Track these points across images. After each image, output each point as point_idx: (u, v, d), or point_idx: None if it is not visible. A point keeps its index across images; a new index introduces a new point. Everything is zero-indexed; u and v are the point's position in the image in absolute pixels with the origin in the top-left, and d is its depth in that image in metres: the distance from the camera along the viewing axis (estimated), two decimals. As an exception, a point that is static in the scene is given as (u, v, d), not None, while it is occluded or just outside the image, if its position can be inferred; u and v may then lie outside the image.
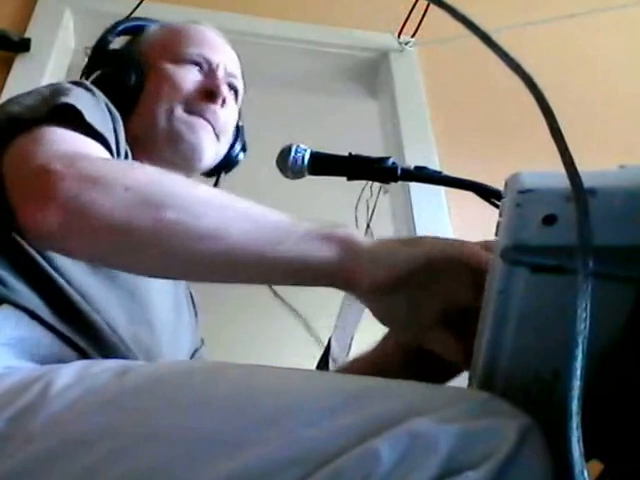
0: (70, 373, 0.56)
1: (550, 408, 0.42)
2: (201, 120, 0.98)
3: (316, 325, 1.04)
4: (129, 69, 0.99)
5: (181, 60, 1.01)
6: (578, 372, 0.38)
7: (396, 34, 2.08)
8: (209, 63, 1.02)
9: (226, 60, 1.05)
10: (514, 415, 0.45)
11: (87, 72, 1.04)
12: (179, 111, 0.97)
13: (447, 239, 0.60)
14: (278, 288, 0.94)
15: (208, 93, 0.99)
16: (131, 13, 1.82)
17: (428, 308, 0.59)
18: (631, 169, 0.44)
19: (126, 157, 0.85)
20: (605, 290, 0.43)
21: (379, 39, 2.11)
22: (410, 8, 1.98)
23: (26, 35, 1.89)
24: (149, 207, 0.58)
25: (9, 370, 0.60)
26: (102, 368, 0.57)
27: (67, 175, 0.59)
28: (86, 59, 1.06)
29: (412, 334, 0.62)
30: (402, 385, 0.50)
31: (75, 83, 0.83)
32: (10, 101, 0.79)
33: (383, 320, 0.62)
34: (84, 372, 0.56)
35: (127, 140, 0.87)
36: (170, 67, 1.00)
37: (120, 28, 1.08)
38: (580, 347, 0.38)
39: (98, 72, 1.01)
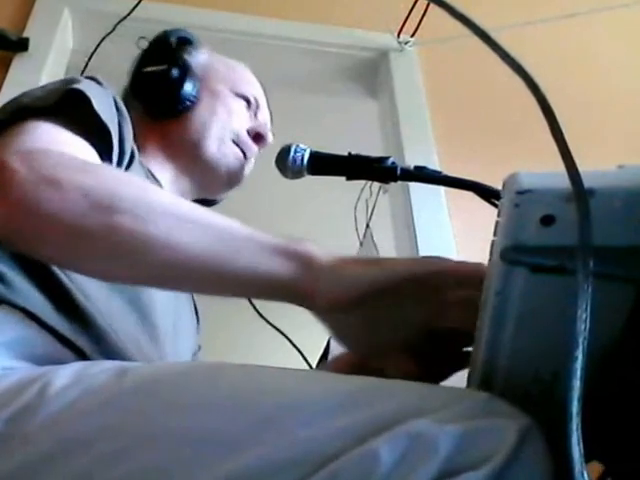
0: (68, 374, 0.56)
1: (550, 409, 0.41)
2: (242, 155, 1.07)
3: (298, 339, 1.03)
4: (191, 78, 1.05)
5: (237, 92, 1.09)
6: (578, 372, 0.37)
7: (396, 34, 2.08)
8: (257, 105, 1.11)
9: (266, 105, 1.14)
10: (514, 415, 0.45)
11: (142, 62, 1.07)
12: (228, 139, 1.05)
13: (412, 258, 0.59)
14: (259, 306, 0.95)
15: (257, 135, 1.08)
16: (130, 13, 1.82)
17: (385, 330, 0.58)
18: (630, 169, 0.44)
19: (132, 155, 0.86)
20: (605, 290, 0.42)
21: (379, 39, 2.11)
22: (410, 8, 1.97)
23: (24, 34, 1.88)
24: (102, 211, 0.57)
25: (7, 371, 0.59)
26: (101, 369, 0.56)
27: (24, 173, 0.59)
28: (141, 48, 1.09)
29: (367, 354, 0.62)
30: (401, 385, 0.50)
31: (87, 77, 0.84)
32: (23, 94, 0.81)
33: (338, 339, 0.61)
34: (82, 373, 0.56)
35: (140, 140, 0.88)
36: (228, 95, 1.08)
37: (179, 35, 1.10)
38: (580, 347, 0.38)
39: (161, 67, 1.04)
